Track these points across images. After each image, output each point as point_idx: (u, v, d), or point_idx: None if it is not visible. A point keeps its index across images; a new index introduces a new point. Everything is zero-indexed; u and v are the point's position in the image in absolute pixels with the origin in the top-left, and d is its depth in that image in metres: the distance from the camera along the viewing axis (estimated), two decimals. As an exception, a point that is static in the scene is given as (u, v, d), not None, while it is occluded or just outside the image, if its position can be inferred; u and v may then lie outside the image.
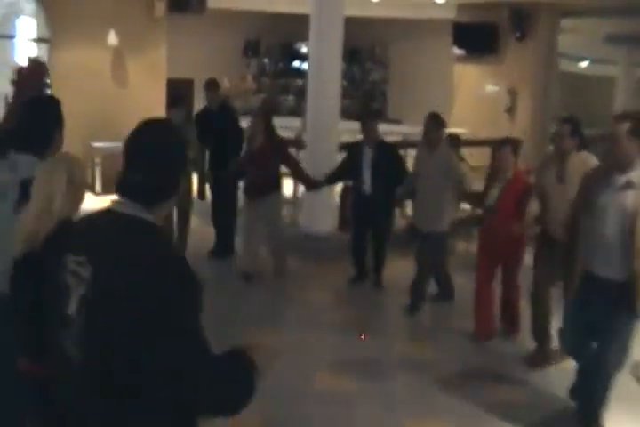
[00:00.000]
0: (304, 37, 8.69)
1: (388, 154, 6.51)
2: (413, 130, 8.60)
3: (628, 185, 3.60)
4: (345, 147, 6.90)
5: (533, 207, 4.94)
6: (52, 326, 1.98)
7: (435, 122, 5.86)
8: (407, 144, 8.89)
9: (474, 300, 5.37)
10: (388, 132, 10.01)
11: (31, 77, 4.81)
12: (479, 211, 6.16)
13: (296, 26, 11.81)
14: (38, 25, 11.37)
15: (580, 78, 17.59)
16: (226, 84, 13.92)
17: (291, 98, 15.13)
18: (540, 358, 4.96)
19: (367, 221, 6.60)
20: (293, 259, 7.15)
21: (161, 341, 1.73)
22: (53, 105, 3.39)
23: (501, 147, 5.27)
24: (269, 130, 6.55)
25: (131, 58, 10.63)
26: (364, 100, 14.75)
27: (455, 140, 7.12)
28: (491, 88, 11.90)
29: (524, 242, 5.26)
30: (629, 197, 3.59)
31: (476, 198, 5.77)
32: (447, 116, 11.93)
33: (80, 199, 2.72)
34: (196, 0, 11.09)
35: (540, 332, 4.97)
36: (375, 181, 6.40)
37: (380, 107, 14.74)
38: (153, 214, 1.89)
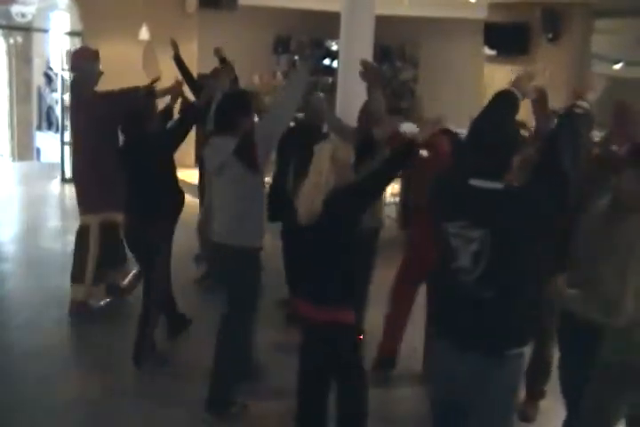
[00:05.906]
0: (335, 35, 8.68)
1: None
2: (442, 129, 8.53)
3: None
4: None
5: None
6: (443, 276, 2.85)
7: None
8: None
9: None
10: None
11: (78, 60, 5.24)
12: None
13: (327, 23, 11.80)
14: (72, 19, 11.52)
15: (614, 80, 17.36)
16: (256, 80, 13.95)
17: (320, 95, 15.10)
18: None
19: None
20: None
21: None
22: (244, 97, 4.38)
23: None
24: None
25: (162, 52, 10.69)
26: (393, 98, 14.69)
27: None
28: (521, 89, 11.78)
29: None
30: None
31: None
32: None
33: (343, 175, 3.36)
34: (228, -4, 11.16)
35: None
36: None
37: (408, 106, 14.67)
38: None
